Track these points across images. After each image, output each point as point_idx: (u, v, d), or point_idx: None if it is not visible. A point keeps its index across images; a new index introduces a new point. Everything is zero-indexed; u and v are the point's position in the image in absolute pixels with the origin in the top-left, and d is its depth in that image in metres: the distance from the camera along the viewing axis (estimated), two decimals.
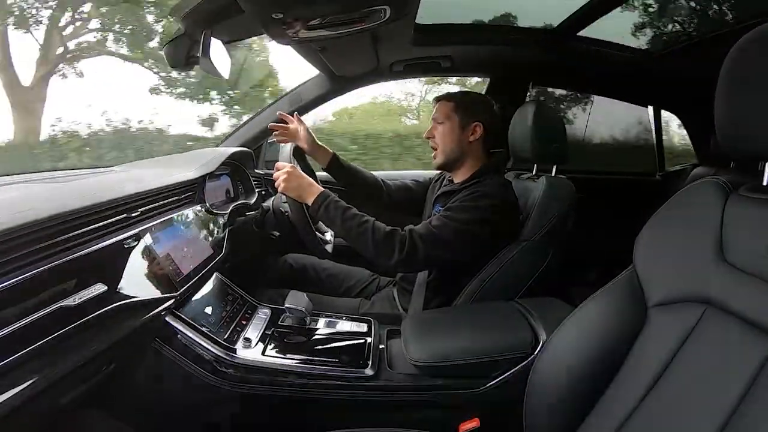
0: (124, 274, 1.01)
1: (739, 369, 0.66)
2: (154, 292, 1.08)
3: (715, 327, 0.72)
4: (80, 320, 0.84)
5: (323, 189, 1.42)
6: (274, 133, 1.68)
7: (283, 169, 1.41)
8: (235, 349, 1.17)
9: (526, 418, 1.02)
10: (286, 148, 1.51)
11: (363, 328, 1.38)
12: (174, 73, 6.83)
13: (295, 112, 1.73)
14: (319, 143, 1.74)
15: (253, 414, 1.15)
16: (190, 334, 1.13)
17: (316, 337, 1.32)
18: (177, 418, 1.14)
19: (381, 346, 1.29)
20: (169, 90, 6.96)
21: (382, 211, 1.92)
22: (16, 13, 6.37)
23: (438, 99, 1.61)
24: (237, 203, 1.73)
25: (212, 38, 1.33)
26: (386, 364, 1.21)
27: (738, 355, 0.67)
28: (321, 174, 1.86)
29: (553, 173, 1.57)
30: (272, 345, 1.23)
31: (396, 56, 2.10)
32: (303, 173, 1.44)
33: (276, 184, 1.42)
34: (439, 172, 1.79)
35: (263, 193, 2.06)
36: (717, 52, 0.76)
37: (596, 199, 2.10)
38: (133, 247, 1.08)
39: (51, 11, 6.63)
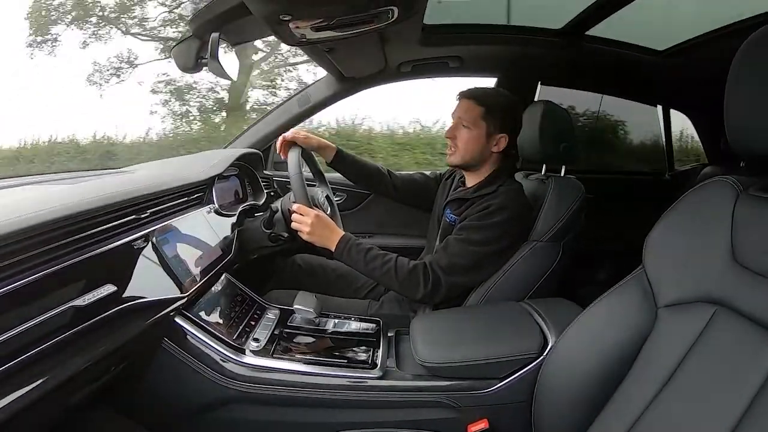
0: (133, 274, 1.02)
1: (749, 370, 0.65)
2: (163, 293, 1.09)
3: (725, 328, 0.72)
4: (90, 320, 0.85)
5: (344, 233, 1.45)
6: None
7: (306, 215, 1.43)
8: (244, 349, 1.18)
9: (534, 420, 1.02)
10: (294, 154, 1.50)
11: (372, 329, 1.38)
12: None
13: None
14: (322, 140, 1.73)
15: (262, 414, 1.15)
16: (199, 335, 1.13)
17: (324, 337, 1.32)
18: (185, 418, 1.15)
19: (390, 347, 1.29)
20: None
21: (392, 204, 1.95)
22: None
23: (464, 96, 1.53)
24: (246, 204, 1.73)
25: (220, 40, 1.34)
26: (395, 365, 1.21)
27: (748, 356, 0.66)
28: (330, 176, 1.86)
29: (562, 173, 1.56)
30: (281, 346, 1.24)
31: (404, 57, 2.10)
32: (325, 218, 1.46)
33: (294, 226, 1.46)
34: (451, 168, 1.78)
35: (272, 194, 2.07)
36: (727, 50, 0.76)
37: (605, 199, 2.09)
38: (143, 248, 1.08)
39: None
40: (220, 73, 1.40)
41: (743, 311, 0.70)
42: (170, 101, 8.42)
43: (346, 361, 1.20)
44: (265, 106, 8.28)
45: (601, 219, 1.87)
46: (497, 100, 1.53)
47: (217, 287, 1.37)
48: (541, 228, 1.43)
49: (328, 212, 1.57)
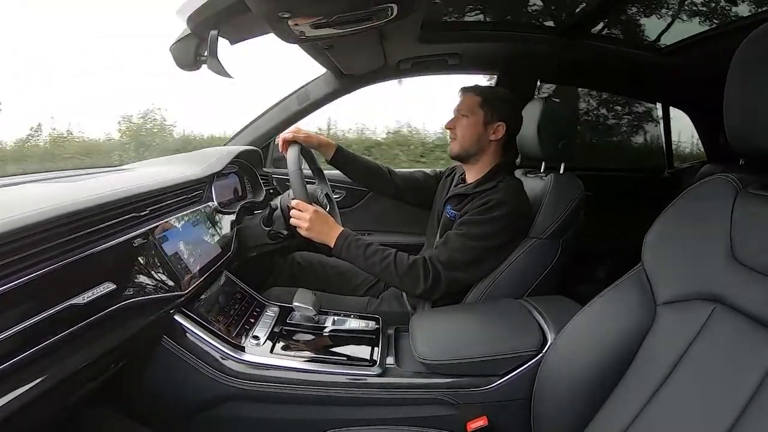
0: (132, 272, 1.02)
1: (748, 368, 0.65)
2: (162, 291, 1.09)
3: (724, 325, 0.72)
4: (89, 318, 0.85)
5: (343, 228, 1.46)
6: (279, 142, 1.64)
7: (305, 211, 1.44)
8: (244, 347, 1.18)
9: (534, 417, 1.02)
10: (293, 151, 1.50)
11: (371, 326, 1.38)
12: None
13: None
14: (323, 138, 1.74)
15: (260, 412, 1.15)
16: (199, 332, 1.13)
17: (324, 335, 1.32)
18: (185, 416, 1.15)
19: (389, 344, 1.29)
20: None
21: (391, 202, 1.95)
22: None
23: (465, 90, 1.58)
24: (245, 202, 1.74)
25: (219, 38, 1.33)
26: (394, 363, 1.21)
27: (747, 353, 0.67)
28: (330, 173, 1.86)
29: (561, 170, 1.56)
30: (280, 343, 1.23)
31: (403, 54, 2.10)
32: (324, 214, 1.47)
33: (293, 222, 1.46)
34: (451, 166, 1.79)
35: (271, 191, 2.07)
36: (727, 47, 0.76)
37: (605, 197, 2.09)
38: (142, 245, 1.08)
39: None
40: (219, 71, 1.39)
41: (742, 309, 0.70)
42: None
43: (345, 358, 1.20)
44: None
45: (601, 216, 1.87)
46: (494, 90, 1.63)
47: (217, 285, 1.37)
48: (540, 225, 1.43)
49: (327, 209, 1.57)
